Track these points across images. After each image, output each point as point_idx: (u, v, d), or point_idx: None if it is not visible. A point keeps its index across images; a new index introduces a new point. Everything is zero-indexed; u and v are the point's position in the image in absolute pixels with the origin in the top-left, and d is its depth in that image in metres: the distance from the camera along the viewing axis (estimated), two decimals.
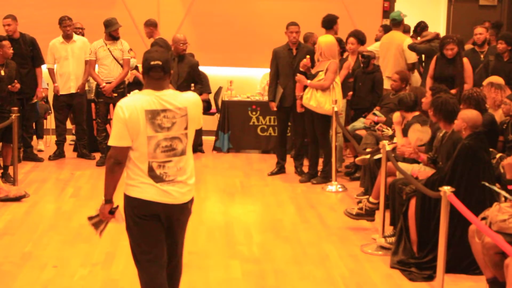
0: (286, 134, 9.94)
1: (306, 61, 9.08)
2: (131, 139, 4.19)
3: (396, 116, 7.81)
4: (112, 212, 4.37)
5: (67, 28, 10.14)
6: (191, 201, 4.45)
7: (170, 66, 4.31)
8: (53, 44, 10.23)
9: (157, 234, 4.36)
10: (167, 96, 4.25)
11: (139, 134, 4.18)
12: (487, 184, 5.69)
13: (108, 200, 4.36)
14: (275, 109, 9.56)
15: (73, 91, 10.16)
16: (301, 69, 9.15)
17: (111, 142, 4.24)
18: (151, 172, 4.24)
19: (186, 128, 4.29)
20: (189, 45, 10.29)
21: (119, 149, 4.22)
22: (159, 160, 4.24)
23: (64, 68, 10.15)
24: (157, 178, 4.25)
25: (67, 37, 10.17)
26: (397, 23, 10.83)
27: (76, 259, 6.16)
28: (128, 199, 4.31)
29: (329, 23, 10.17)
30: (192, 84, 10.41)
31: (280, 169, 9.69)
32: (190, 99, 4.36)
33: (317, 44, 9.06)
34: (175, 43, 10.25)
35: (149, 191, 4.25)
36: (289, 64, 9.40)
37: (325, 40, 9.03)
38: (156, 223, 4.33)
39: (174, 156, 4.27)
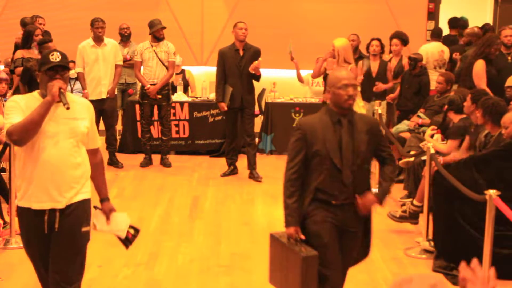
0: (236, 135, 9.76)
1: (257, 63, 9.06)
2: None
3: (427, 135, 7.85)
4: None
5: (99, 30, 9.73)
6: None
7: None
8: (83, 47, 9.77)
9: None
10: None
11: None
12: None
13: None
14: (225, 109, 9.40)
15: (103, 96, 9.72)
16: (251, 71, 9.12)
17: None
18: None
19: None
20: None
21: None
22: None
23: (94, 72, 9.69)
24: None
25: (98, 40, 9.75)
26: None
27: (120, 259, 6.22)
28: None
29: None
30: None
31: (233, 170, 9.77)
32: None
33: (335, 49, 8.60)
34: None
35: None
36: (236, 65, 9.32)
37: (342, 43, 8.62)
38: None
39: None
